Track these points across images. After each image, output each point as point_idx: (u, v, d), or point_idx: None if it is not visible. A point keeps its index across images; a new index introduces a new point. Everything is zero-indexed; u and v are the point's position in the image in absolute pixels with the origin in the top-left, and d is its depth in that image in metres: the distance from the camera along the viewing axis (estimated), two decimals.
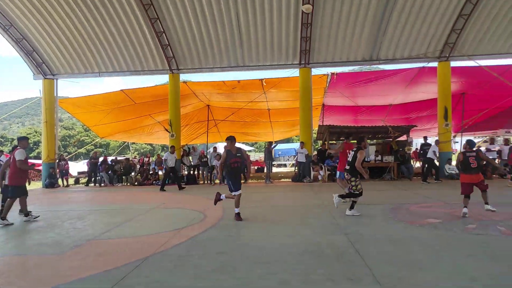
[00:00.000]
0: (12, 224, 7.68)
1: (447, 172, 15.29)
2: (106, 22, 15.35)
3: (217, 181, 15.57)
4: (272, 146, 17.88)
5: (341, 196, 7.99)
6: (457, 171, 15.12)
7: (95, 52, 16.62)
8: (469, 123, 18.43)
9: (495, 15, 14.10)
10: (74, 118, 30.90)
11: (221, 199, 7.69)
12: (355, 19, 14.52)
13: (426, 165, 14.28)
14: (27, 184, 8.18)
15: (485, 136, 18.99)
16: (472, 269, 4.18)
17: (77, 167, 26.30)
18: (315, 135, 22.36)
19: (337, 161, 10.37)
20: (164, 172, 14.59)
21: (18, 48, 16.47)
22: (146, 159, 21.01)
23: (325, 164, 15.75)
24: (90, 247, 5.63)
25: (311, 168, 15.69)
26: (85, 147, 44.34)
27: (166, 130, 17.08)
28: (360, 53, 15.76)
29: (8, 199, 7.83)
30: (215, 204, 7.83)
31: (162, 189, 13.45)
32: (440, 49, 15.22)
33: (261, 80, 16.72)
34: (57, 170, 17.43)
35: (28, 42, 16.41)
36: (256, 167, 23.05)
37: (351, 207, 7.64)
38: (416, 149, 23.29)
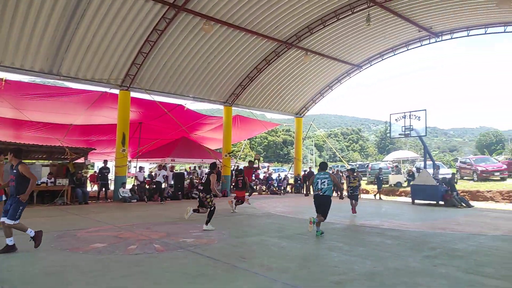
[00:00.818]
0: None
1: (121, 195, 16.05)
2: None
3: None
4: None
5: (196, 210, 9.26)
6: (130, 194, 16.28)
7: None
8: (144, 150, 20.41)
9: (167, 59, 16.66)
10: None
11: None
12: (33, 26, 12.92)
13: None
14: None
15: (155, 163, 21.63)
16: None
17: None
18: None
19: None
20: None
21: None
22: None
23: None
24: None
25: None
26: None
27: None
28: (38, 64, 14.16)
29: None
30: None
31: None
32: (122, 78, 16.19)
33: None
34: None
35: None
36: None
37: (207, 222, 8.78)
38: (95, 172, 23.19)
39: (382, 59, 22.01)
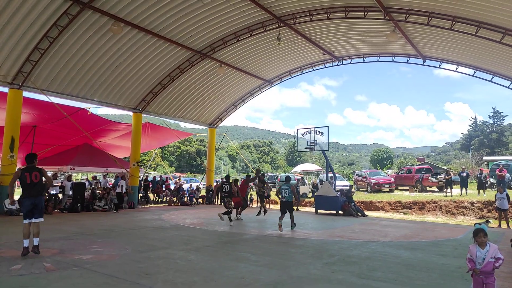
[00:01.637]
0: None
1: (6, 208, 14.06)
2: None
3: None
4: None
5: None
6: (18, 207, 14.35)
7: None
8: (38, 157, 18.23)
9: (69, 59, 15.25)
10: None
11: None
12: None
13: None
14: None
15: (52, 171, 19.49)
16: None
17: None
18: None
19: None
20: None
21: None
22: None
23: None
24: None
25: None
26: None
27: None
28: None
29: None
30: None
31: None
32: (13, 76, 14.33)
33: None
34: None
35: None
36: None
37: None
38: None
39: (291, 77, 23.33)
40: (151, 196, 23.14)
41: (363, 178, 26.68)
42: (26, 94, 15.16)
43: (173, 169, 67.58)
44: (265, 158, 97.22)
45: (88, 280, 5.35)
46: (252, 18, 16.32)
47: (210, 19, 15.88)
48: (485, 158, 43.03)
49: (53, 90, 15.99)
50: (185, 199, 22.28)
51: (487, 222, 14.77)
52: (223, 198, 13.77)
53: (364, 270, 6.36)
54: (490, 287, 4.12)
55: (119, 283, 5.25)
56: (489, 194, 18.39)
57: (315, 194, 19.46)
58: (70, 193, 16.99)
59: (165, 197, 22.67)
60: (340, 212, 16.89)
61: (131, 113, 20.17)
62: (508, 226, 13.59)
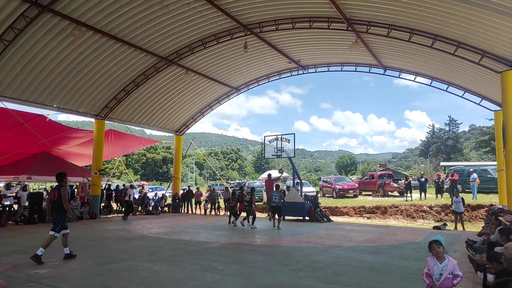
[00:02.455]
0: None
1: None
2: None
3: None
4: None
5: None
6: None
7: None
8: None
9: (26, 63, 14.47)
10: None
11: None
12: None
13: None
14: None
15: (4, 181, 18.39)
16: None
17: None
18: None
19: None
20: None
21: None
22: None
23: None
24: None
25: None
26: None
27: None
28: None
29: None
30: None
31: None
32: None
33: None
34: None
35: None
36: None
37: None
38: None
39: (258, 85, 23.48)
40: (114, 205, 22.37)
41: (328, 184, 27.22)
42: None
43: (138, 177, 65.79)
44: (233, 165, 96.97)
45: None
46: (219, 26, 16.32)
47: (176, 26, 15.71)
48: (442, 163, 45.26)
49: (9, 96, 15.15)
50: (150, 208, 21.73)
51: (445, 225, 15.47)
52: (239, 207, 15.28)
53: (329, 275, 6.46)
54: None
55: None
56: (446, 198, 19.32)
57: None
58: (26, 203, 16.11)
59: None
60: (307, 218, 17.10)
61: (93, 120, 19.47)
62: (464, 228, 14.32)
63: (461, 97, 17.37)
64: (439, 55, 14.72)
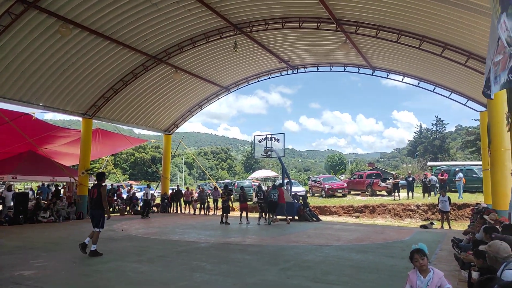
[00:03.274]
0: None
1: None
2: None
3: None
4: None
5: None
6: None
7: None
8: None
9: (11, 61, 14.21)
10: None
11: None
12: None
13: None
14: None
15: None
16: None
17: None
18: None
19: None
20: None
21: None
22: None
23: None
24: None
25: None
26: None
27: None
28: None
29: None
30: None
31: None
32: None
33: None
34: None
35: None
36: None
37: None
38: None
39: (248, 84, 23.47)
40: None
41: (317, 183, 27.36)
42: None
43: (127, 176, 65.21)
44: (223, 165, 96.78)
45: None
46: (208, 25, 16.25)
47: (165, 24, 15.59)
48: (429, 163, 45.86)
49: None
50: (138, 208, 21.54)
51: (431, 223, 15.67)
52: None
53: (318, 274, 6.49)
54: None
55: None
56: (433, 197, 19.60)
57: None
58: (11, 204, 15.82)
59: (116, 207, 21.76)
60: (296, 217, 17.16)
61: (80, 119, 19.21)
62: (450, 227, 14.55)
63: (448, 97, 17.63)
64: (426, 56, 14.92)
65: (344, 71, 20.16)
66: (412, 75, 18.05)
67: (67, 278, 6.09)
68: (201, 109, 24.79)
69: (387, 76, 18.83)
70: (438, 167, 27.89)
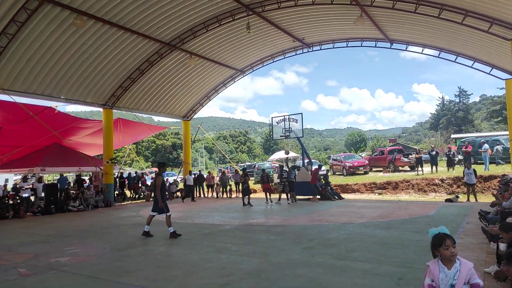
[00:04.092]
0: None
1: None
2: None
3: None
4: None
5: None
6: None
7: None
8: (5, 160, 17.52)
9: (31, 56, 14.57)
10: None
11: None
12: None
13: None
14: None
15: (20, 174, 18.76)
16: None
17: None
18: None
19: None
20: None
21: None
22: None
23: None
24: None
25: None
26: None
27: None
28: None
29: None
30: None
31: None
32: None
33: None
34: None
35: None
36: None
37: None
38: None
39: (263, 65, 23.26)
40: (127, 193, 22.75)
41: (338, 162, 27.20)
42: None
43: (149, 164, 66.53)
44: (242, 148, 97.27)
45: (67, 283, 5.24)
46: (220, 7, 16.07)
47: (177, 10, 15.51)
48: (453, 136, 44.75)
49: (16, 89, 15.28)
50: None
51: (457, 197, 15.39)
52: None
53: (342, 251, 6.54)
54: None
55: (99, 283, 5.17)
56: (458, 170, 19.19)
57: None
58: (42, 194, 16.48)
59: (141, 193, 22.34)
60: (318, 196, 17.19)
61: (101, 110, 19.60)
62: (476, 199, 14.27)
63: (471, 67, 16.98)
64: (446, 25, 14.34)
65: (361, 46, 19.66)
66: (432, 45, 17.43)
67: (99, 263, 6.36)
68: (218, 93, 24.82)
69: (406, 48, 18.25)
70: (462, 140, 27.17)
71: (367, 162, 26.36)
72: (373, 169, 26.53)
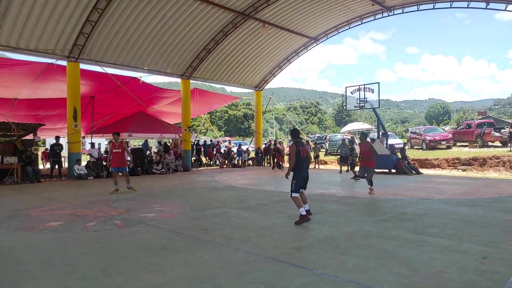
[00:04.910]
0: None
1: (76, 173, 15.43)
2: None
3: None
4: None
5: None
6: (86, 171, 15.66)
7: None
8: (98, 125, 19.57)
9: (118, 29, 15.76)
10: None
11: None
12: None
13: None
14: None
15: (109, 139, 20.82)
16: (85, 266, 4.32)
17: None
18: None
19: None
20: None
21: None
22: None
23: None
24: None
25: None
26: None
27: None
28: None
29: None
30: None
31: None
32: (70, 49, 15.17)
33: None
34: None
35: None
36: None
37: None
38: (46, 149, 22.00)
39: (338, 32, 22.27)
40: (203, 159, 24.07)
41: (417, 135, 25.55)
42: (82, 66, 16.05)
43: (222, 133, 69.20)
44: (313, 119, 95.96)
45: (154, 235, 5.84)
46: None
47: None
48: None
49: (106, 61, 16.74)
50: (235, 162, 22.91)
51: None
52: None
53: (419, 226, 6.27)
54: None
55: (182, 237, 5.67)
56: None
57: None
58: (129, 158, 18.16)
59: (216, 160, 23.49)
60: (393, 170, 16.48)
61: (178, 80, 20.66)
62: None
63: None
64: None
65: (450, 7, 17.70)
66: None
67: (181, 221, 6.94)
68: (290, 63, 24.54)
69: (506, 7, 16.01)
70: None
71: (450, 136, 24.35)
72: (457, 144, 24.46)
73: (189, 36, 18.20)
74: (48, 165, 18.08)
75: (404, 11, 19.34)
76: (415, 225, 6.34)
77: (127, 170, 11.31)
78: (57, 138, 16.56)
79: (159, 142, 23.73)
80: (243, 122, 68.71)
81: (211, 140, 28.50)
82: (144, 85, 19.08)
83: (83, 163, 16.72)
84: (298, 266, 4.29)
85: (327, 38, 22.84)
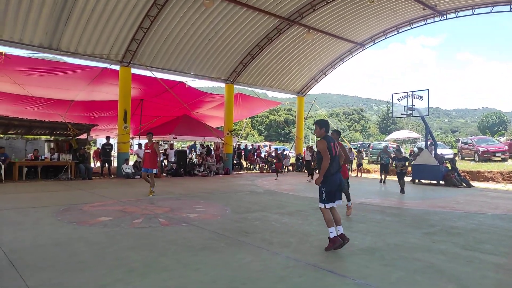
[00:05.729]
0: None
1: (124, 171, 16.19)
2: None
3: None
4: None
5: None
6: (133, 171, 16.38)
7: None
8: (146, 127, 20.43)
9: (168, 35, 16.42)
10: None
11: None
12: None
13: None
14: None
15: (158, 140, 21.67)
16: (132, 261, 4.53)
17: None
18: None
19: None
20: None
21: None
22: None
23: None
24: None
25: None
26: None
27: None
28: (37, 38, 13.99)
29: None
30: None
31: None
32: (122, 54, 16.02)
33: None
34: None
35: None
36: None
37: None
38: (98, 148, 23.31)
39: (386, 38, 21.66)
40: (244, 163, 24.31)
41: (469, 145, 24.15)
42: (133, 70, 16.89)
43: (262, 138, 69.48)
44: (356, 126, 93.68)
45: (196, 235, 5.99)
46: None
47: None
48: None
49: (156, 66, 17.48)
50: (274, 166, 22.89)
51: None
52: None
53: (470, 241, 5.92)
54: None
55: (222, 238, 5.77)
56: None
57: (412, 163, 17.90)
58: (173, 159, 18.77)
59: (257, 165, 23.62)
60: (442, 182, 15.69)
61: (222, 85, 21.08)
62: None
63: None
64: None
65: (510, 11, 16.63)
66: None
67: (222, 222, 7.07)
68: (334, 69, 24.21)
69: None
70: None
71: (506, 147, 22.77)
72: None
73: (234, 42, 18.56)
74: (98, 164, 19.16)
75: (457, 15, 18.44)
76: (465, 240, 6.00)
77: (155, 172, 10.76)
78: (108, 138, 17.52)
79: (201, 145, 24.33)
80: (283, 128, 68.59)
81: (252, 145, 28.74)
82: (189, 89, 19.69)
83: (131, 162, 17.53)
84: (339, 275, 4.22)
85: (374, 43, 22.30)
